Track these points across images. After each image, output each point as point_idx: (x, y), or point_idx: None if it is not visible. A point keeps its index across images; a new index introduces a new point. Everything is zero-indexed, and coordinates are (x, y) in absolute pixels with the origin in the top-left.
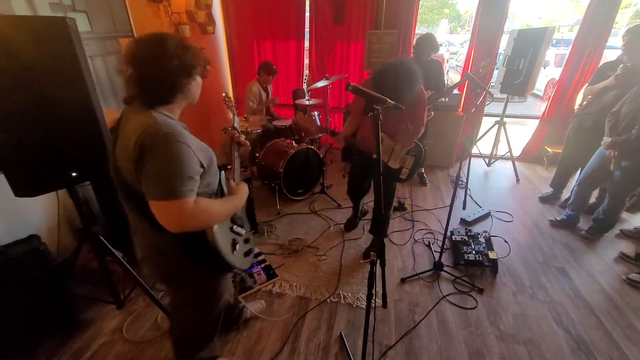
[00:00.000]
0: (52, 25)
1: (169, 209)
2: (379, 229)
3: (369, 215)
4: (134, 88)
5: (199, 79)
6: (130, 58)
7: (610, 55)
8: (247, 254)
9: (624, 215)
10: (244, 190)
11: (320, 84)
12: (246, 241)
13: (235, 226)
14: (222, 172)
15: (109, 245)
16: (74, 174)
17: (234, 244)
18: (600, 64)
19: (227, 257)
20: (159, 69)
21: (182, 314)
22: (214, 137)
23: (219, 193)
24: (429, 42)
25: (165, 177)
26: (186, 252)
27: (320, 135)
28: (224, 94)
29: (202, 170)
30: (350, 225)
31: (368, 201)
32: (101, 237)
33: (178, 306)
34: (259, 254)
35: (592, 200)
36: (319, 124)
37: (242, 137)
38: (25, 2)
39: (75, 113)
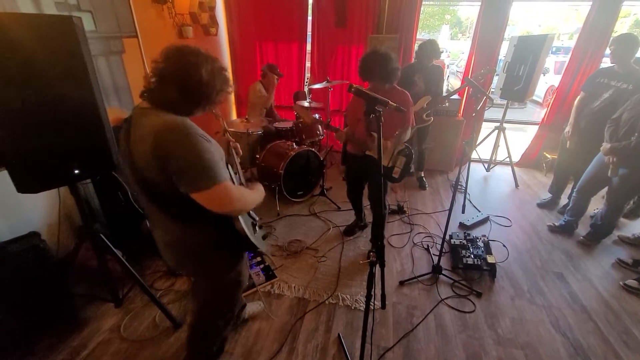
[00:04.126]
0: (59, 24)
1: (217, 194)
2: (378, 230)
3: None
4: (156, 93)
5: None
6: (164, 70)
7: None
8: (264, 237)
9: (622, 221)
10: (261, 186)
11: (320, 85)
12: (260, 227)
13: (251, 211)
14: (229, 167)
15: (109, 243)
16: (76, 171)
17: (253, 226)
18: None
19: (251, 238)
20: (187, 90)
21: (207, 299)
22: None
23: None
24: (431, 48)
25: (203, 167)
26: (212, 240)
27: (320, 137)
28: None
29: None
30: (351, 231)
31: (366, 204)
32: (101, 235)
33: (203, 292)
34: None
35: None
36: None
37: (237, 145)
38: (30, 1)
39: (79, 111)
